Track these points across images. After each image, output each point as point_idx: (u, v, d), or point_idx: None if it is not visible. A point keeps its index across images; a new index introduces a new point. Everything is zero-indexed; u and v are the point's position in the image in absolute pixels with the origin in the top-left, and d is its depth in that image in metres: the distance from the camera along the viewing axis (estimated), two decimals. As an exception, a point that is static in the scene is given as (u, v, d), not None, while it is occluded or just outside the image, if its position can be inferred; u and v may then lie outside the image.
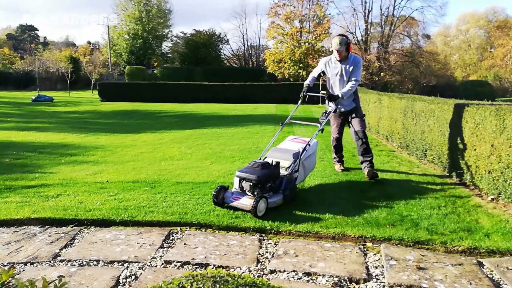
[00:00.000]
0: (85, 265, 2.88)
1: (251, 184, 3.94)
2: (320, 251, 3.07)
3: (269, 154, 4.53)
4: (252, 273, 2.74)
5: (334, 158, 5.92)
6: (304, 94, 5.18)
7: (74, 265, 2.88)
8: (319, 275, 2.71)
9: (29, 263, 2.90)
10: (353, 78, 5.16)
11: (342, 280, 2.65)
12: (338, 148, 5.83)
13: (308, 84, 5.25)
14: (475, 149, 4.80)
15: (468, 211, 4.03)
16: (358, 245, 3.24)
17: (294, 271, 2.76)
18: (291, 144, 4.79)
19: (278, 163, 4.30)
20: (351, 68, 5.16)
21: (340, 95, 5.12)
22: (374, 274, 2.76)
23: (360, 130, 5.34)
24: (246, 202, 3.81)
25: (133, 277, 2.70)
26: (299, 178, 4.45)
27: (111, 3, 59.12)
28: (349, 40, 5.18)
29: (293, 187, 4.24)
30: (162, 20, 45.27)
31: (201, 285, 1.68)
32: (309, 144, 4.61)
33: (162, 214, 3.82)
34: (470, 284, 2.60)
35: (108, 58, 42.82)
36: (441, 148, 5.82)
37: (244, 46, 50.31)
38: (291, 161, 4.35)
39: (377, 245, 3.22)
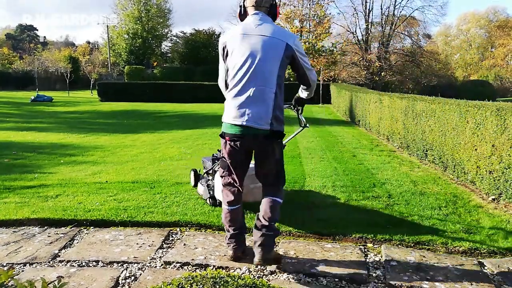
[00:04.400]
0: (84, 266, 2.86)
1: None
2: (320, 252, 3.06)
3: None
4: (252, 274, 2.73)
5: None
6: None
7: (73, 265, 2.86)
8: (320, 275, 2.70)
9: (28, 264, 2.89)
10: None
11: (343, 281, 2.64)
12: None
13: None
14: (476, 149, 4.78)
15: (469, 211, 4.02)
16: (359, 245, 3.22)
17: (294, 272, 2.75)
18: None
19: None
20: None
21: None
22: (374, 275, 2.75)
23: None
24: None
25: (133, 277, 2.69)
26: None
27: (111, 3, 59.26)
28: None
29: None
30: (161, 20, 45.28)
31: (201, 286, 1.67)
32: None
33: (161, 214, 3.81)
34: (471, 284, 2.59)
35: (108, 58, 42.81)
36: (442, 148, 5.81)
37: (244, 46, 50.30)
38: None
39: (377, 246, 3.21)
